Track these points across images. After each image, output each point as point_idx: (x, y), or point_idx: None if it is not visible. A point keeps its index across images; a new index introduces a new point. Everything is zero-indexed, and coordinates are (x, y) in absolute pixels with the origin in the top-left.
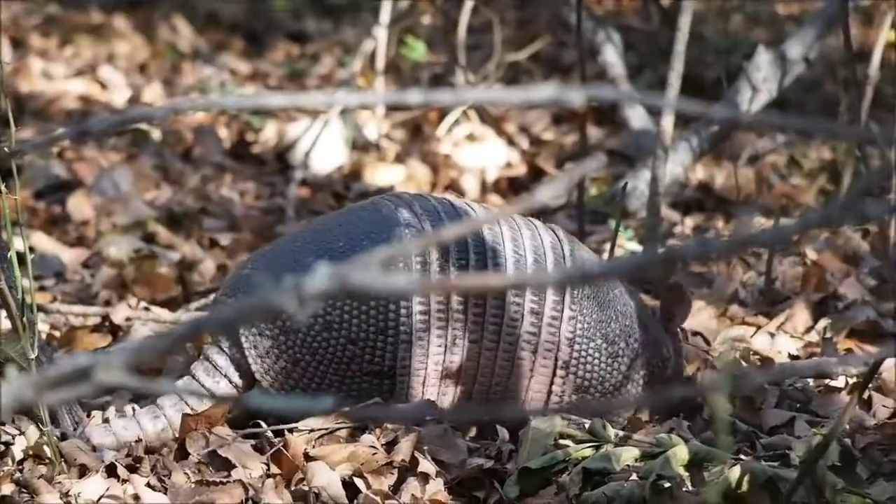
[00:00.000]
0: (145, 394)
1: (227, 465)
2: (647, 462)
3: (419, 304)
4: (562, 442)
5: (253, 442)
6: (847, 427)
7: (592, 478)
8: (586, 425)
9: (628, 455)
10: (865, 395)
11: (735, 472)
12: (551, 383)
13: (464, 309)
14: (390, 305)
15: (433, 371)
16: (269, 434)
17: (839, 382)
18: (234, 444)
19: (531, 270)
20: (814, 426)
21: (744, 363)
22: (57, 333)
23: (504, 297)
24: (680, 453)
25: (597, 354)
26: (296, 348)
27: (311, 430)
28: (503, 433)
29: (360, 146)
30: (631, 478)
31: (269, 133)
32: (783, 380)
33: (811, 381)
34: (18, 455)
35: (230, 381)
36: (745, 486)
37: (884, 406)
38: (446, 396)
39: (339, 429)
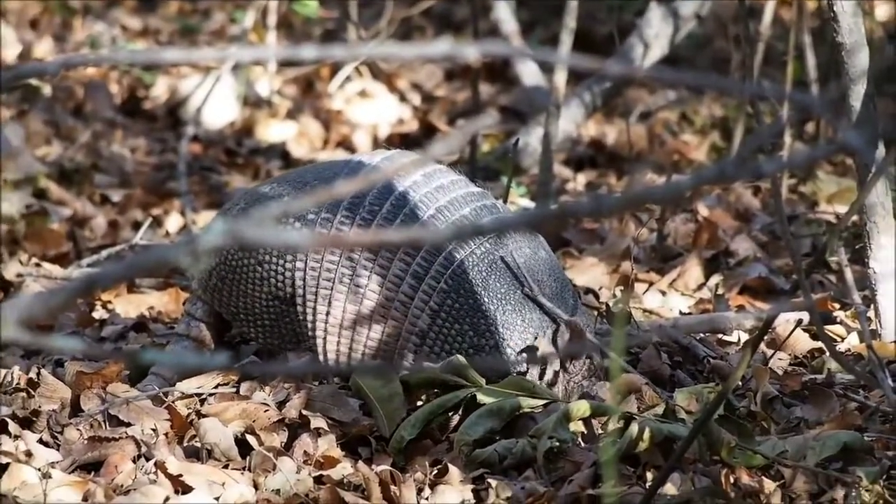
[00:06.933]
0: (38, 350)
1: (122, 422)
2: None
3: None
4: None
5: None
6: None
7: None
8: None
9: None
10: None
11: (633, 430)
12: (405, 348)
13: (360, 253)
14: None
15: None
16: (160, 392)
17: (733, 338)
18: (129, 401)
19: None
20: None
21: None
22: None
23: (395, 253)
24: (581, 408)
25: (459, 339)
26: (221, 266)
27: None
28: None
29: (252, 102)
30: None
31: (160, 89)
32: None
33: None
34: None
35: (202, 321)
36: (643, 445)
37: (780, 360)
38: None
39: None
